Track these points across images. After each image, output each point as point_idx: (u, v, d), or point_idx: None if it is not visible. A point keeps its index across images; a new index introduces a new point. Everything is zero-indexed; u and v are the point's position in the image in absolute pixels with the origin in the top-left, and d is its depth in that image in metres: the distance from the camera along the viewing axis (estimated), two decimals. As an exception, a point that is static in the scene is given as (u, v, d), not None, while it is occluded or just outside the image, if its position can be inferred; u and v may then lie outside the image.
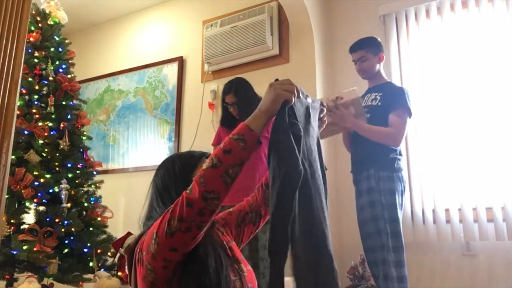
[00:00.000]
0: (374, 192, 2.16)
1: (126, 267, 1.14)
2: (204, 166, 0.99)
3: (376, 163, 2.19)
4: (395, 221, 2.12)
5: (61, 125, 2.76)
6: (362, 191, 2.23)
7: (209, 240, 1.10)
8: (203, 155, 1.23)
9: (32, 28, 2.88)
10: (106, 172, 3.79)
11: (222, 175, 0.97)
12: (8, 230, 2.36)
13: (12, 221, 2.40)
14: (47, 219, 2.47)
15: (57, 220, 2.48)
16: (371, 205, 2.16)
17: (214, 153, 1.01)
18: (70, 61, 3.02)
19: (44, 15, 2.98)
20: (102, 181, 2.97)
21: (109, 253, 2.72)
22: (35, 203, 2.52)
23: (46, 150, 2.65)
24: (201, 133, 3.48)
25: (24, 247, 2.31)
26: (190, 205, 0.95)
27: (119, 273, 2.56)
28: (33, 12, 2.91)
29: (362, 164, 2.27)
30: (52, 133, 2.71)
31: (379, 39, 2.46)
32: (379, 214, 2.13)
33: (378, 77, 2.41)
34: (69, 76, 2.91)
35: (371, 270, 2.24)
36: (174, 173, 1.18)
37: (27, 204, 2.50)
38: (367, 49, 2.37)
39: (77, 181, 2.77)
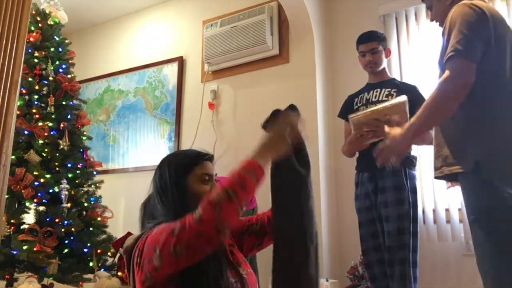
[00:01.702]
0: (403, 190, 2.10)
1: (125, 267, 1.14)
2: (218, 196, 0.97)
3: (404, 160, 2.11)
4: (416, 221, 2.11)
5: (61, 125, 2.76)
6: (386, 188, 2.15)
7: None
8: (199, 156, 1.22)
9: (32, 28, 2.88)
10: (106, 172, 3.79)
11: (237, 208, 0.98)
12: (8, 230, 2.36)
13: (12, 221, 2.40)
14: (47, 219, 2.47)
15: (57, 220, 2.48)
16: (399, 203, 2.09)
17: (228, 184, 0.99)
18: (70, 61, 3.02)
19: (44, 15, 2.98)
20: (102, 181, 2.97)
21: (109, 253, 2.72)
22: (35, 203, 2.52)
23: (46, 150, 2.65)
24: (201, 133, 3.48)
25: (24, 247, 2.31)
26: (200, 236, 0.95)
27: (119, 273, 2.56)
28: (33, 12, 2.91)
29: None
30: (52, 133, 2.71)
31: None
32: (407, 212, 2.08)
33: (383, 73, 2.37)
34: (69, 76, 2.91)
35: (373, 270, 2.20)
36: (170, 174, 1.17)
37: (27, 204, 2.50)
38: (379, 41, 2.33)
39: (77, 181, 2.77)
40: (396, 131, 1.56)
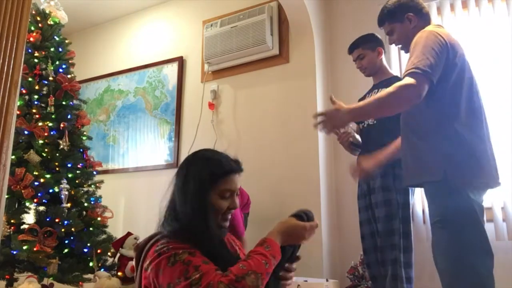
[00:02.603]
0: (390, 190, 2.12)
1: (134, 262, 1.16)
2: (247, 278, 0.99)
3: (393, 160, 2.13)
4: (407, 221, 2.10)
5: (61, 125, 2.76)
6: (376, 189, 2.18)
7: (222, 250, 1.13)
8: (227, 171, 1.18)
9: (32, 28, 2.88)
10: (106, 172, 3.79)
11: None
12: (8, 230, 2.36)
13: (12, 221, 2.41)
14: (47, 219, 2.47)
15: (57, 220, 2.48)
16: (386, 204, 2.12)
17: (258, 269, 1.02)
18: (70, 61, 3.02)
19: (44, 15, 2.98)
20: (102, 181, 2.97)
21: (109, 253, 2.72)
22: (35, 203, 2.52)
23: (46, 150, 2.65)
24: (201, 133, 3.48)
25: (24, 247, 2.31)
26: None
27: (119, 273, 2.57)
28: (33, 12, 2.91)
29: None
30: (52, 133, 2.71)
31: (377, 34, 2.43)
32: (395, 213, 2.09)
33: (382, 72, 2.38)
34: (69, 76, 2.91)
35: (373, 270, 2.21)
36: (193, 187, 1.15)
37: (27, 204, 2.50)
38: (363, 46, 2.37)
39: (77, 181, 2.77)
40: (342, 104, 1.65)
